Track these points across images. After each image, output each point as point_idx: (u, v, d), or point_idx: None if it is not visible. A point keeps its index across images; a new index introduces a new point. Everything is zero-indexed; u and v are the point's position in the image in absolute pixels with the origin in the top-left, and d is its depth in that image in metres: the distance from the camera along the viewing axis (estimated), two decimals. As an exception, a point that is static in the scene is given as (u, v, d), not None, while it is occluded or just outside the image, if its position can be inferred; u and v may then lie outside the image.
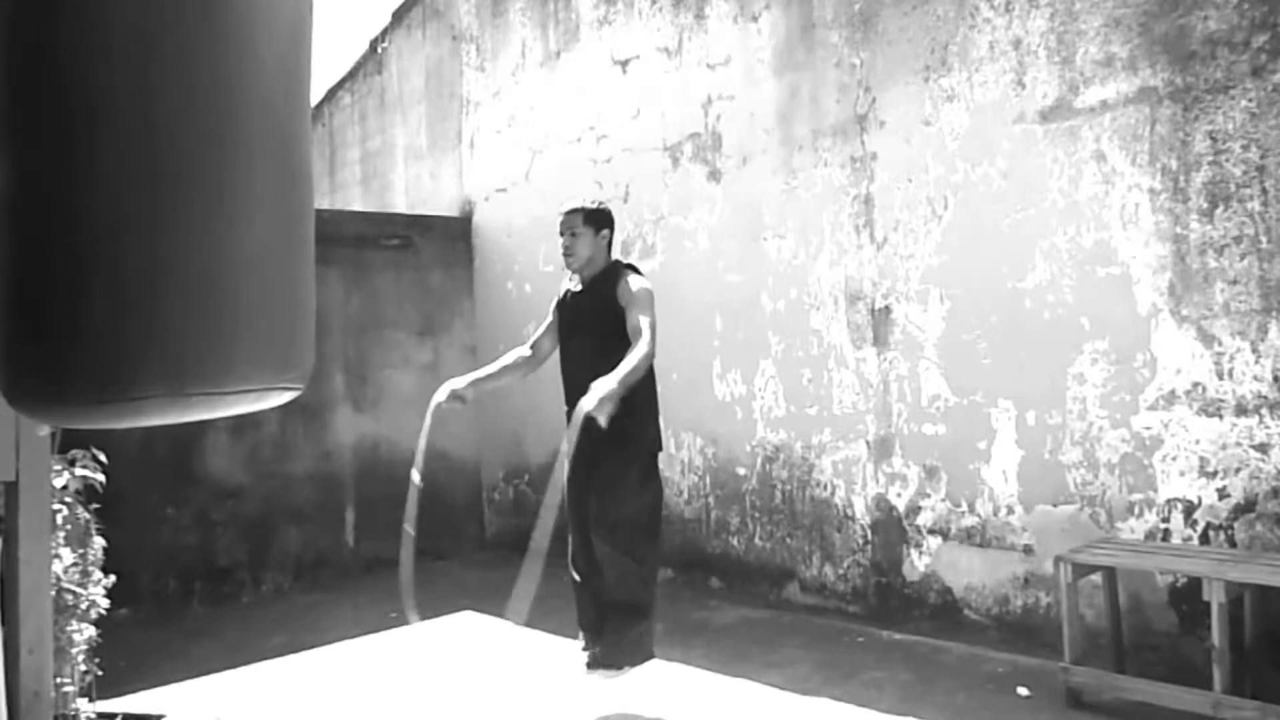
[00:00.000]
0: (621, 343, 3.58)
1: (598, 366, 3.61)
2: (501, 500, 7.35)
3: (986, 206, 4.51)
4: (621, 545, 3.60)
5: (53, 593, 2.74)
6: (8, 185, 0.81)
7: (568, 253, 3.71)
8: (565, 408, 3.75)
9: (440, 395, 3.73)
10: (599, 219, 3.73)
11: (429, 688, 4.28)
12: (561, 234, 3.72)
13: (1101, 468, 4.14)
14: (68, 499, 3.13)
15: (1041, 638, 4.20)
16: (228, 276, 0.86)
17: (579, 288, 3.80)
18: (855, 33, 5.03)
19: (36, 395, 0.84)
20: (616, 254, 4.00)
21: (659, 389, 3.82)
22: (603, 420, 3.21)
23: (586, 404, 3.19)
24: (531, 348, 3.95)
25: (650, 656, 3.77)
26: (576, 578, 3.86)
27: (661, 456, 3.92)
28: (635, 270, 3.76)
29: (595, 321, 3.68)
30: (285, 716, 4.04)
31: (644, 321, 3.50)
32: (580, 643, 3.89)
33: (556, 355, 3.90)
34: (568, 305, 3.83)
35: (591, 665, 3.73)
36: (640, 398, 3.62)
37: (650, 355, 3.46)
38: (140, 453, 5.60)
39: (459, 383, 3.78)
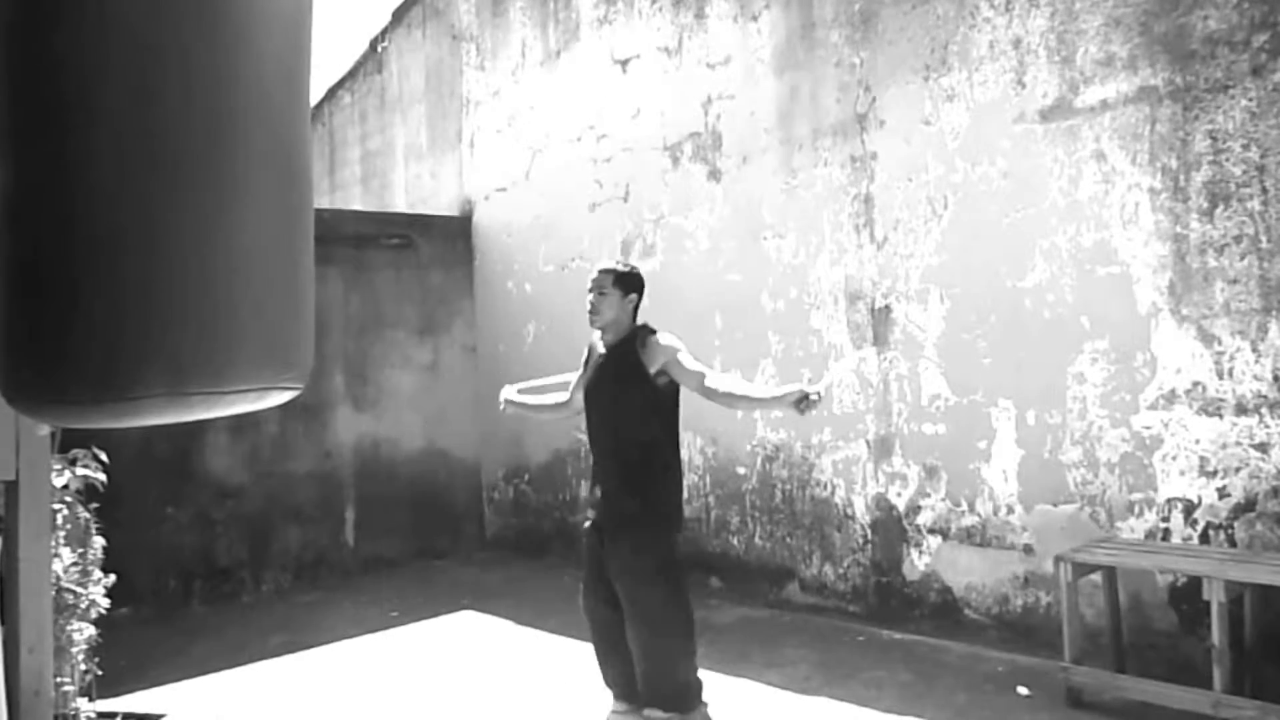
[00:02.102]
0: (643, 410, 3.56)
1: (618, 434, 3.60)
2: (501, 500, 7.35)
3: (986, 206, 4.51)
4: (652, 639, 3.53)
5: (53, 592, 2.74)
6: (7, 185, 0.81)
7: (593, 310, 3.68)
8: (592, 484, 3.75)
9: (506, 395, 4.08)
10: (628, 282, 3.70)
11: (429, 688, 4.28)
12: (590, 290, 3.70)
13: (1101, 467, 4.14)
14: (68, 498, 3.13)
15: (1041, 637, 4.20)
16: (227, 276, 0.86)
17: (603, 351, 3.77)
18: (855, 32, 5.03)
19: (36, 394, 0.84)
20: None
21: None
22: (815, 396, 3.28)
23: (807, 399, 3.27)
24: (569, 395, 3.98)
25: (701, 691, 3.67)
26: (603, 674, 3.78)
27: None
28: (659, 332, 3.71)
29: (617, 388, 3.64)
30: (285, 716, 4.04)
31: (697, 366, 3.54)
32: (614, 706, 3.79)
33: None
34: (592, 369, 3.80)
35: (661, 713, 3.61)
36: (658, 476, 3.61)
37: (732, 386, 3.55)
38: (140, 452, 5.60)
39: (512, 390, 4.09)
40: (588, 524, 3.73)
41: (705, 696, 3.65)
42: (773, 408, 3.35)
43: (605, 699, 3.83)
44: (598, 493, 3.66)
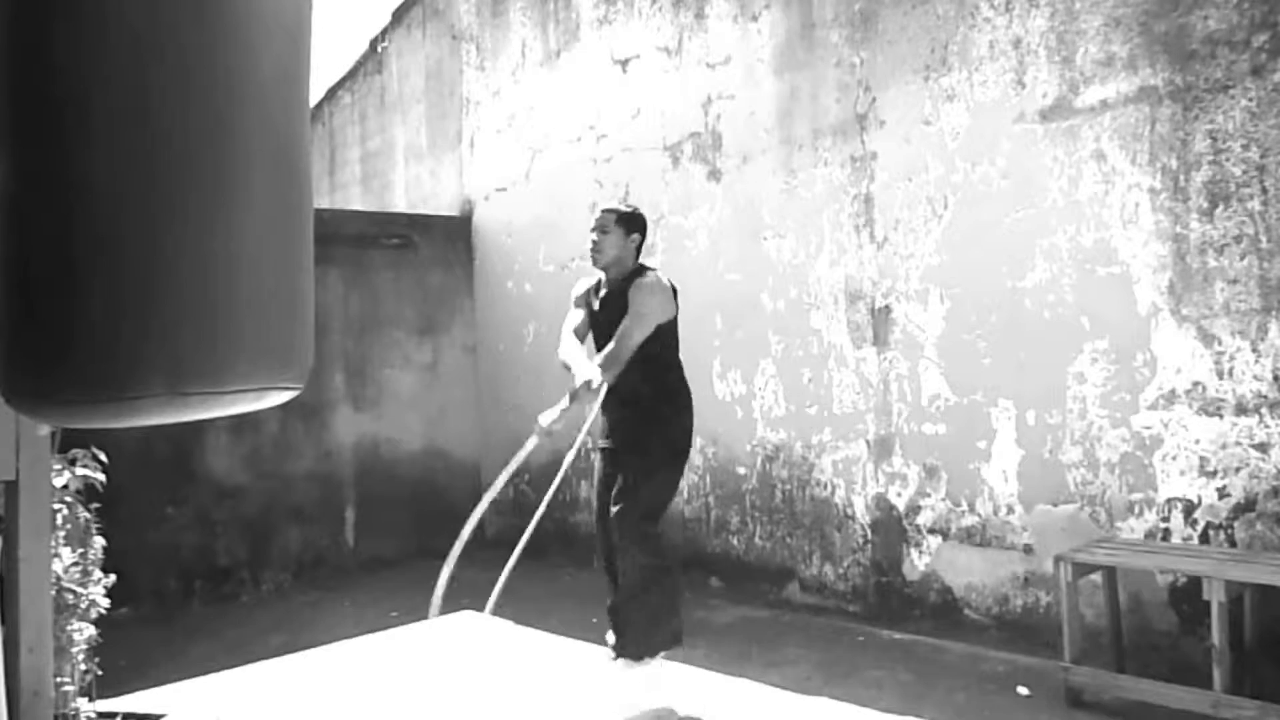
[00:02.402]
0: (644, 353, 3.61)
1: (626, 377, 3.63)
2: (501, 500, 7.35)
3: (986, 206, 4.51)
4: (630, 534, 3.61)
5: (53, 592, 2.74)
6: (5, 185, 0.81)
7: (595, 249, 3.74)
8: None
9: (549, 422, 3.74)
10: (631, 221, 3.77)
11: (429, 688, 4.28)
12: (592, 230, 3.76)
13: (1101, 467, 4.14)
14: (68, 498, 3.13)
15: (1041, 637, 4.20)
16: (226, 276, 0.86)
17: (604, 291, 3.81)
18: (855, 32, 5.03)
19: (34, 394, 0.84)
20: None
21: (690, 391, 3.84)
22: (596, 382, 3.50)
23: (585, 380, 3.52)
24: (575, 331, 3.95)
25: (673, 644, 3.73)
26: (607, 574, 3.88)
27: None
28: (653, 271, 3.78)
29: (619, 324, 3.69)
30: (285, 716, 4.04)
31: (633, 327, 3.57)
32: (609, 637, 3.89)
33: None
34: (595, 308, 3.84)
35: (615, 655, 3.75)
36: (662, 401, 3.66)
37: (611, 365, 3.56)
38: (140, 452, 5.60)
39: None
40: (600, 450, 3.83)
41: (666, 653, 3.71)
42: (578, 383, 3.51)
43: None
44: (608, 423, 3.74)
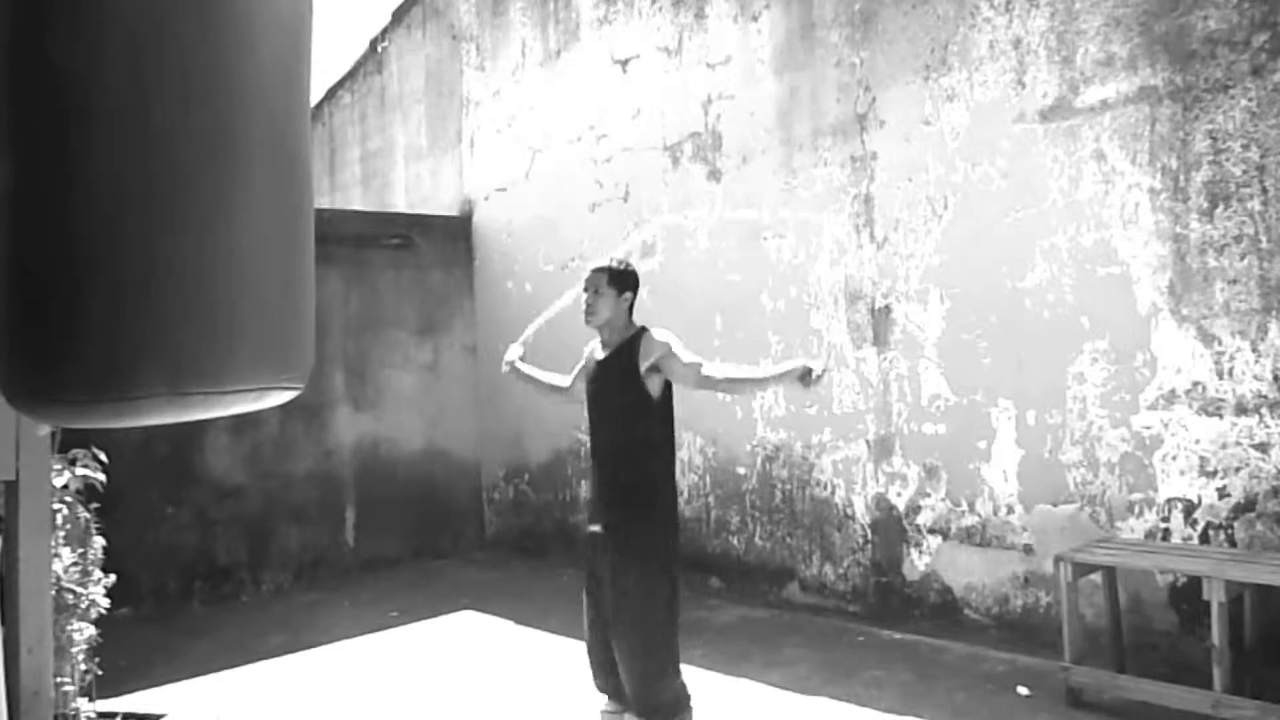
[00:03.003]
0: (644, 416, 3.52)
1: (620, 438, 3.55)
2: (501, 500, 7.35)
3: (986, 206, 4.51)
4: (638, 646, 3.50)
5: (53, 592, 2.74)
6: (7, 186, 0.81)
7: (588, 310, 3.64)
8: (592, 488, 3.72)
9: (510, 356, 4.01)
10: (624, 281, 3.66)
11: (429, 688, 4.28)
12: (585, 290, 3.68)
13: (1101, 467, 4.14)
14: (68, 498, 3.13)
15: (1041, 637, 4.20)
16: (226, 276, 0.86)
17: (602, 355, 3.74)
18: (855, 32, 5.03)
19: (35, 394, 0.84)
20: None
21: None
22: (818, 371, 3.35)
23: (810, 373, 3.34)
24: (570, 383, 3.93)
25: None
26: (594, 677, 3.77)
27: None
28: (652, 329, 3.70)
29: (618, 395, 3.59)
30: (285, 716, 4.04)
31: (692, 358, 3.46)
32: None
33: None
34: (593, 374, 3.77)
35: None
36: (661, 480, 3.58)
37: (731, 372, 3.46)
38: (140, 452, 5.60)
39: (516, 351, 4.04)
40: (588, 529, 3.72)
41: (692, 704, 3.63)
42: (776, 386, 3.31)
43: (600, 699, 3.84)
44: (599, 497, 3.63)
